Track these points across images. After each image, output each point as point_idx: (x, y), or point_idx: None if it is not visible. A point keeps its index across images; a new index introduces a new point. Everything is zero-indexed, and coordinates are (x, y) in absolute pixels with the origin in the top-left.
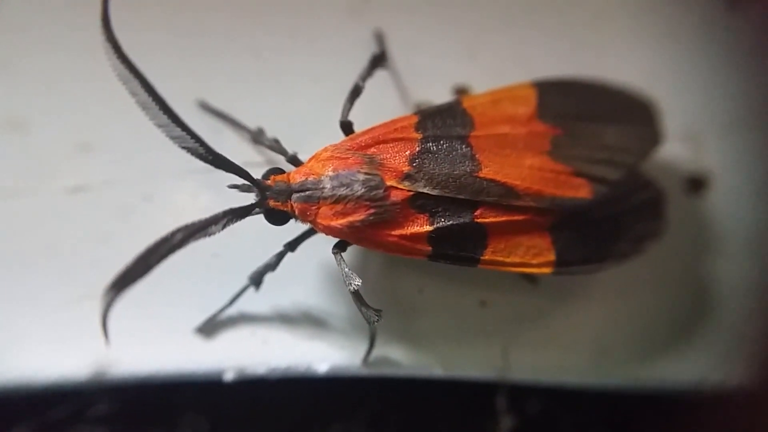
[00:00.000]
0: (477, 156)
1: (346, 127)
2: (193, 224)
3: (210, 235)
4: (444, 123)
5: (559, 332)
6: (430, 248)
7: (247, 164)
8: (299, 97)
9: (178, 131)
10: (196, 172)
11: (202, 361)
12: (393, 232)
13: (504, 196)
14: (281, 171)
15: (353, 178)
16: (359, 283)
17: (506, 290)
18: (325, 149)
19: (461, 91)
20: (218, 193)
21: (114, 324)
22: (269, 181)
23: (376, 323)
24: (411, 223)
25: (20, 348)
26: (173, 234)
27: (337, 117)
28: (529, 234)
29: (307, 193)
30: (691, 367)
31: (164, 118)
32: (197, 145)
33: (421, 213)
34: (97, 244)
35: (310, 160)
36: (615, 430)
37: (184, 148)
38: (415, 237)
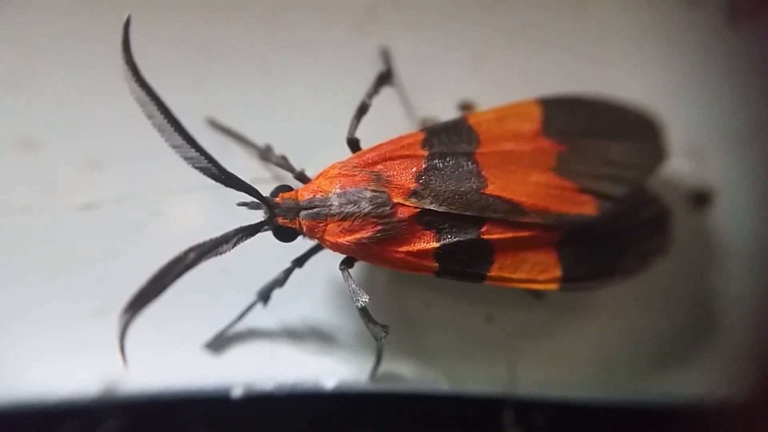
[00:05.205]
0: (483, 173)
1: (353, 144)
2: (204, 243)
3: (221, 253)
4: (450, 140)
5: (565, 347)
6: (436, 264)
7: (254, 180)
8: (306, 113)
9: (192, 152)
10: (206, 188)
11: (210, 377)
12: (400, 249)
13: (510, 213)
14: (289, 188)
15: (360, 195)
16: (366, 300)
17: (512, 305)
18: (333, 166)
19: (466, 108)
20: (227, 208)
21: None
22: (278, 199)
23: (383, 339)
24: (418, 240)
25: (30, 364)
26: (186, 254)
27: (344, 133)
28: (535, 250)
29: (315, 210)
30: (697, 382)
31: (179, 140)
32: (210, 165)
33: (427, 229)
34: (108, 260)
35: (318, 177)
36: None
37: (197, 168)
38: (421, 253)
